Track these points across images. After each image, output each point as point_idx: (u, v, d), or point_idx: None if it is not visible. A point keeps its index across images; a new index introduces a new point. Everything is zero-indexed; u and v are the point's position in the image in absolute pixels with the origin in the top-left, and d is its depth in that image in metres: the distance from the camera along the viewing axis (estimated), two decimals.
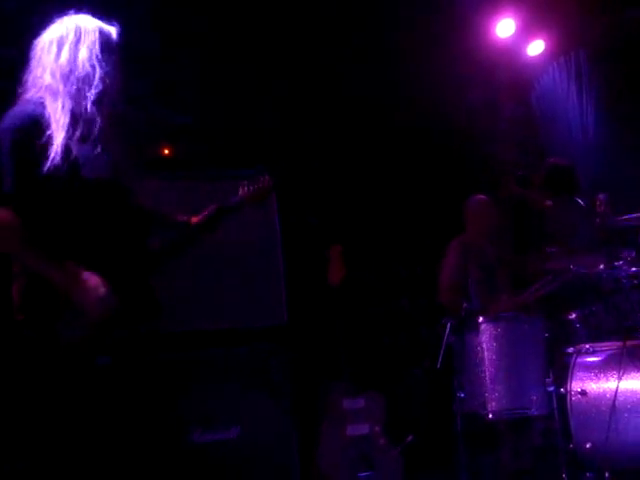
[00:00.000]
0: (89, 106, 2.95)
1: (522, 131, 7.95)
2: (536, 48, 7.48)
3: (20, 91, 3.02)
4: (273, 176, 5.38)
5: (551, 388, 4.62)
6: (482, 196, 6.09)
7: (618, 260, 4.77)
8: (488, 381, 4.73)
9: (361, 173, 6.71)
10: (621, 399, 4.31)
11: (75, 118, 2.93)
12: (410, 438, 5.16)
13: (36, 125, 2.85)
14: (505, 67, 7.56)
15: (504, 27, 7.08)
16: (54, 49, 3.00)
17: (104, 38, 3.08)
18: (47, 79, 2.96)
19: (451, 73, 6.81)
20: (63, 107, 2.91)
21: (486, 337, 4.81)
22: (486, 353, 4.78)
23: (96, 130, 2.96)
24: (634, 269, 4.71)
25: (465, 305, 5.00)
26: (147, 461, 2.89)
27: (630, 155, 6.36)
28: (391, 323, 6.51)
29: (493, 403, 4.69)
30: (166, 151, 5.65)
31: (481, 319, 4.88)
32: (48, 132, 2.85)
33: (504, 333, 4.80)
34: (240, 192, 3.74)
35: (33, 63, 3.04)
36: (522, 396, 4.68)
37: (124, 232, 3.03)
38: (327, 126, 6.52)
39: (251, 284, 5.17)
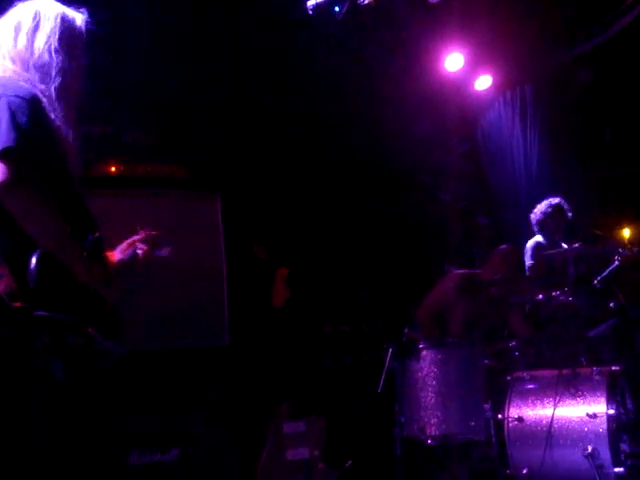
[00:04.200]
0: (54, 98, 2.74)
1: (468, 164, 8.09)
2: (483, 83, 7.63)
3: None
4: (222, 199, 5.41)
5: (489, 414, 4.68)
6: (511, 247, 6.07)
7: (555, 290, 4.89)
8: (428, 406, 4.77)
9: (308, 200, 6.75)
10: (556, 426, 4.39)
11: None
12: (350, 463, 5.17)
13: (44, 107, 2.67)
14: (453, 101, 7.70)
15: (453, 61, 7.20)
16: (11, 34, 2.78)
17: (66, 25, 2.84)
18: (9, 65, 2.75)
19: (400, 105, 6.91)
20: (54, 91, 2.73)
21: (427, 363, 4.86)
22: (427, 379, 4.82)
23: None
24: (570, 299, 4.82)
25: (406, 330, 5.05)
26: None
27: (571, 188, 6.53)
28: (334, 347, 6.52)
29: (432, 428, 4.73)
30: (113, 169, 5.62)
31: (422, 345, 4.93)
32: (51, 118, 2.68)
33: (445, 359, 4.85)
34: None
35: None
36: (461, 422, 4.72)
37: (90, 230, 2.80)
38: (277, 153, 6.55)
39: (195, 305, 5.17)
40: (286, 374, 5.21)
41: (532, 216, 6.46)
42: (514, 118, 8.04)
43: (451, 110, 7.68)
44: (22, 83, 2.68)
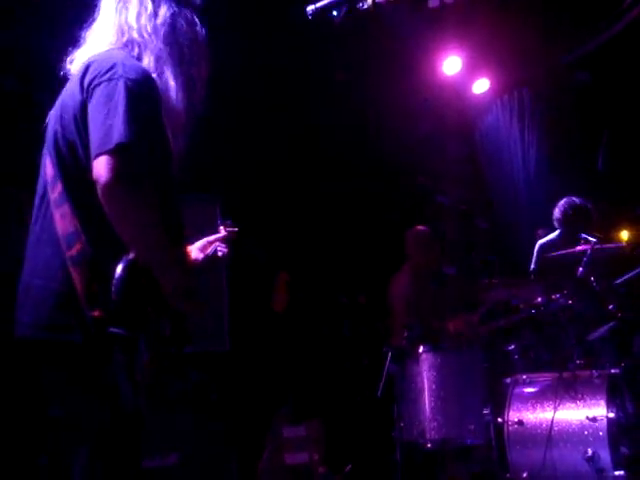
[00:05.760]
0: (183, 83, 2.49)
1: (467, 167, 8.10)
2: (481, 86, 7.63)
3: (86, 44, 2.53)
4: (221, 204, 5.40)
5: (489, 418, 4.68)
6: (422, 228, 6.23)
7: (556, 293, 4.88)
8: (427, 410, 4.77)
9: (307, 203, 6.76)
10: (556, 429, 4.39)
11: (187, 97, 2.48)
12: (349, 467, 5.16)
13: (159, 93, 2.39)
14: (451, 104, 7.71)
15: (450, 64, 7.20)
16: (135, 8, 2.48)
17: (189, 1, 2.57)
18: (134, 36, 2.45)
19: (399, 109, 6.92)
20: (175, 78, 2.46)
21: (426, 366, 4.87)
22: (426, 382, 4.84)
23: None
24: (570, 302, 4.82)
25: (406, 334, 5.05)
26: None
27: (568, 191, 6.51)
28: (333, 351, 6.53)
29: (432, 432, 4.74)
30: None
31: (421, 349, 4.93)
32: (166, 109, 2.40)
33: (444, 363, 4.86)
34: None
35: (106, 15, 2.53)
36: (460, 426, 4.73)
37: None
38: (275, 157, 6.55)
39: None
40: (286, 378, 5.20)
41: (554, 211, 6.37)
42: (512, 121, 8.05)
43: (449, 113, 7.69)
44: (141, 62, 2.43)
